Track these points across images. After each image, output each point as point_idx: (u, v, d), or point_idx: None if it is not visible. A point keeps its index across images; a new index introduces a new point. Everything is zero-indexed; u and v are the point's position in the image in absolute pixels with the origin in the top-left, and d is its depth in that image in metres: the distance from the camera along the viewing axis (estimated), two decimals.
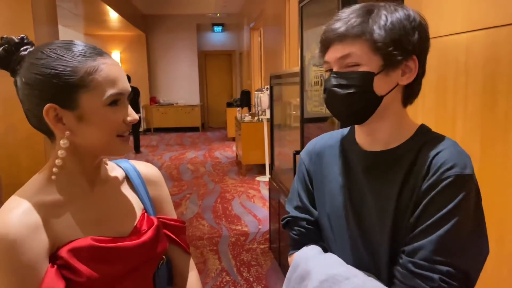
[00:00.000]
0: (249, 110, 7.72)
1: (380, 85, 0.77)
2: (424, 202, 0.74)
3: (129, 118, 0.79)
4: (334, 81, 0.79)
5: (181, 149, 8.62)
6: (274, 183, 3.11)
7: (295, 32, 5.06)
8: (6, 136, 4.07)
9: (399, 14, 0.76)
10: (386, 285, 0.77)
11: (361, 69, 0.76)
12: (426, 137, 0.81)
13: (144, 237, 0.83)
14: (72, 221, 0.77)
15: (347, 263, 0.83)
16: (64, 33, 9.04)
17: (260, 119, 5.86)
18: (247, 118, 6.42)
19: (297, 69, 2.27)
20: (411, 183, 0.77)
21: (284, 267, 2.91)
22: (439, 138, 0.80)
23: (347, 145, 0.90)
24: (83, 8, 7.66)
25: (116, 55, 10.86)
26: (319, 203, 0.92)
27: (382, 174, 0.81)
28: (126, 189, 0.91)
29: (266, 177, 5.65)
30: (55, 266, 0.73)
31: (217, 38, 12.01)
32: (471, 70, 1.14)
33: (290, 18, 5.17)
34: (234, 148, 8.14)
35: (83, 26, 9.52)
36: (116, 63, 0.79)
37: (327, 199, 0.90)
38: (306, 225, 0.92)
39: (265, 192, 5.09)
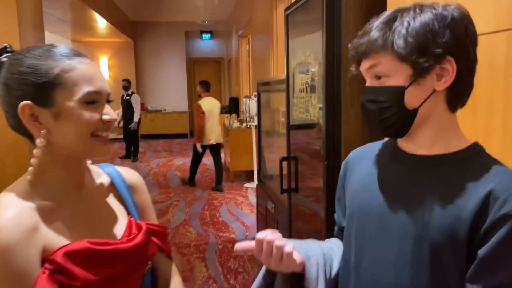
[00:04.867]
0: (238, 116, 7.73)
1: (412, 98, 0.74)
2: (491, 245, 0.67)
3: (106, 117, 0.77)
4: (366, 96, 0.78)
5: (169, 155, 8.58)
6: (262, 190, 3.12)
7: (282, 40, 5.10)
8: None
9: (425, 16, 0.71)
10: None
11: (391, 81, 0.74)
12: (478, 157, 0.75)
13: (137, 240, 0.83)
14: (62, 226, 0.76)
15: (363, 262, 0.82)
16: (52, 39, 8.97)
17: (248, 126, 5.88)
18: (236, 124, 6.44)
19: (284, 76, 2.29)
20: (450, 198, 0.72)
21: None
22: (493, 162, 0.74)
23: (386, 148, 0.87)
24: (71, 15, 7.62)
25: (104, 61, 10.81)
26: (347, 204, 0.92)
27: (420, 178, 0.77)
28: (112, 195, 0.90)
29: (254, 184, 5.65)
30: (47, 271, 0.70)
31: (206, 45, 12.04)
32: (510, 76, 0.94)
33: (277, 26, 5.22)
34: (222, 155, 8.12)
35: (71, 32, 9.47)
36: (94, 64, 0.79)
37: (351, 198, 0.90)
38: (337, 229, 1.01)
39: (253, 198, 5.09)
